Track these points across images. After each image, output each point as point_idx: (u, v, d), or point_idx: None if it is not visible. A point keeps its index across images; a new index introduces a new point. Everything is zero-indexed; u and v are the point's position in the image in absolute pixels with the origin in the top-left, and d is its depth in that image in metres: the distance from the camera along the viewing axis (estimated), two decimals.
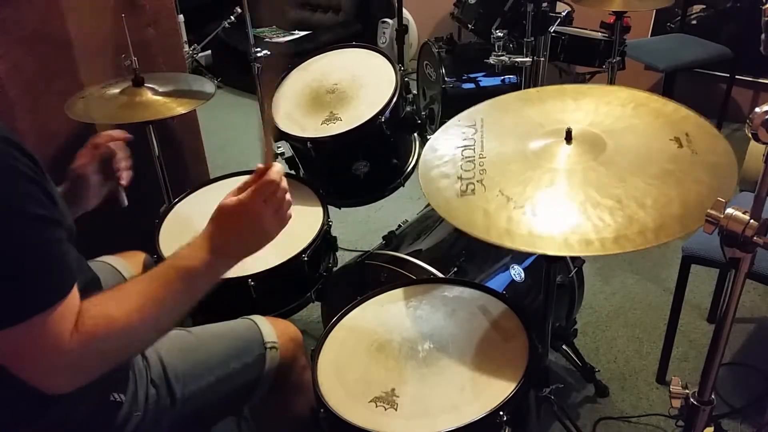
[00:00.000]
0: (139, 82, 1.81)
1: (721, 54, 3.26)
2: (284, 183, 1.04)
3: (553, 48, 2.83)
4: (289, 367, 1.32)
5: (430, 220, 1.89)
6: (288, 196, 1.05)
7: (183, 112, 1.77)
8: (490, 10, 3.28)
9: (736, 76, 3.43)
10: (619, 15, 2.66)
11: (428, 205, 1.23)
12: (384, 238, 1.82)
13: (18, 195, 0.81)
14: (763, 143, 0.78)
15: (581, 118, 1.28)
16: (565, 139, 1.22)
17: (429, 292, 1.43)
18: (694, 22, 3.57)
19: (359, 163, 1.73)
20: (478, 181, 1.20)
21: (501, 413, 1.11)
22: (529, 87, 2.44)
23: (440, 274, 1.57)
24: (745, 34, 3.28)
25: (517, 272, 1.73)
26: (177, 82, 1.90)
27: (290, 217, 1.06)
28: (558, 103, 1.35)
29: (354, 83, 1.79)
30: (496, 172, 1.21)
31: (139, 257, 1.56)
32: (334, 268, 1.76)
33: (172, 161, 2.00)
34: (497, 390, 1.16)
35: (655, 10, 3.57)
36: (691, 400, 0.99)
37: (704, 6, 3.52)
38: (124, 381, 1.09)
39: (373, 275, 1.66)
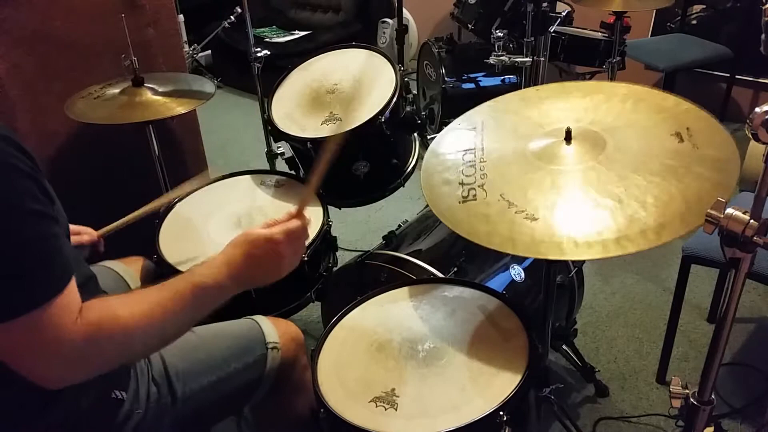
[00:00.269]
0: (139, 82, 1.81)
1: (721, 54, 3.26)
2: (310, 218, 1.10)
3: (553, 48, 2.83)
4: (291, 367, 1.32)
5: (430, 220, 1.90)
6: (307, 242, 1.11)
7: (183, 112, 1.76)
8: (490, 10, 3.28)
9: (736, 76, 3.43)
10: (619, 15, 2.66)
11: (428, 205, 1.23)
12: (384, 238, 1.82)
13: (15, 191, 0.82)
14: (763, 143, 0.78)
15: (581, 116, 1.28)
16: (565, 139, 1.21)
17: (429, 292, 1.43)
18: (694, 22, 3.57)
19: (359, 163, 1.72)
20: (479, 186, 1.19)
21: (501, 413, 1.11)
22: (529, 87, 2.44)
23: (440, 274, 1.57)
24: (745, 34, 3.28)
25: (517, 272, 1.73)
26: (177, 82, 1.90)
27: (300, 260, 1.11)
28: (557, 102, 1.35)
29: (354, 83, 1.79)
30: (497, 176, 1.21)
31: (138, 262, 1.56)
32: (334, 268, 1.76)
33: (172, 161, 2.00)
34: (497, 390, 1.16)
35: (655, 10, 3.57)
36: (691, 400, 0.99)
37: (704, 6, 3.52)
38: (126, 378, 1.10)
39: (373, 275, 1.66)
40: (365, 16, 4.38)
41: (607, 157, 1.16)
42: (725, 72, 3.45)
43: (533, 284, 1.75)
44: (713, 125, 1.17)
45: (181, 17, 2.93)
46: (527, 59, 2.38)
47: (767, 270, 1.66)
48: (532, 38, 2.35)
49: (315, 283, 1.65)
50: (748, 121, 0.77)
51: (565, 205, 1.10)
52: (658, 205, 1.04)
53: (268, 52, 2.31)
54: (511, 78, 3.19)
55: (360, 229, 2.79)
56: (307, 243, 1.55)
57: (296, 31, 4.52)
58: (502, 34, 2.47)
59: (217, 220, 1.65)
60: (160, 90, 1.82)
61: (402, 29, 3.18)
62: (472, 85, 3.24)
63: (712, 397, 0.99)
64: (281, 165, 2.03)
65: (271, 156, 2.34)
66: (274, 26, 4.66)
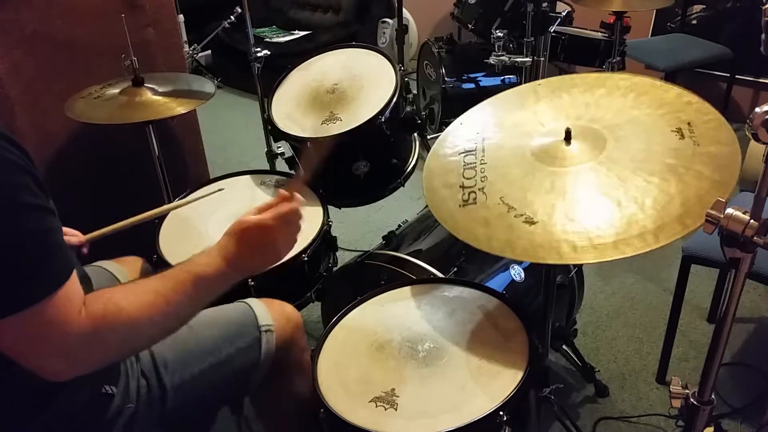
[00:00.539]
0: (139, 82, 1.81)
1: (721, 54, 3.26)
2: (301, 211, 1.09)
3: (553, 48, 2.83)
4: (288, 349, 1.30)
5: (430, 219, 1.89)
6: (301, 222, 1.10)
7: (183, 112, 1.76)
8: (490, 10, 3.28)
9: (736, 76, 3.43)
10: (619, 15, 2.65)
11: (428, 207, 1.23)
12: (384, 238, 1.82)
13: (14, 185, 0.82)
14: (763, 143, 0.78)
15: (582, 112, 1.27)
16: (565, 139, 1.21)
17: (429, 292, 1.43)
18: (694, 22, 3.57)
19: (359, 163, 1.72)
20: (479, 189, 1.19)
21: (501, 413, 1.11)
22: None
23: (440, 274, 1.57)
24: (745, 34, 3.28)
25: (517, 272, 1.73)
26: (177, 82, 1.90)
27: (296, 241, 1.11)
28: (559, 98, 1.34)
29: (354, 83, 1.79)
30: (497, 178, 1.20)
31: (136, 263, 1.56)
32: (334, 268, 1.76)
33: (172, 161, 2.00)
34: (497, 390, 1.16)
35: (655, 10, 3.57)
36: (691, 400, 0.99)
37: (704, 6, 3.52)
38: (116, 373, 1.09)
39: (373, 275, 1.66)
40: (365, 16, 4.38)
41: (607, 157, 1.16)
42: (725, 72, 3.45)
43: (533, 284, 1.75)
44: (716, 118, 1.16)
45: (181, 17, 2.93)
46: (527, 59, 2.38)
47: (767, 270, 1.66)
48: (532, 38, 2.35)
49: (315, 283, 1.65)
50: (748, 121, 0.77)
51: (564, 208, 1.10)
52: (656, 208, 1.04)
53: (268, 52, 2.31)
54: (511, 78, 3.19)
55: (360, 229, 2.79)
56: (307, 242, 1.55)
57: (296, 31, 4.52)
58: (502, 34, 2.47)
59: (217, 220, 1.65)
60: (160, 90, 1.82)
61: (402, 29, 3.18)
62: (472, 85, 3.24)
63: (712, 397, 0.99)
64: (281, 165, 2.03)
65: (271, 156, 2.34)
66: (274, 26, 4.66)
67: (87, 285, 1.12)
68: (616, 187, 1.10)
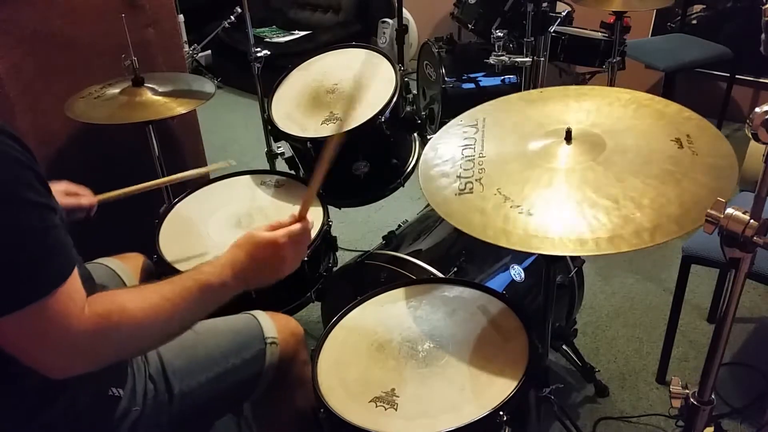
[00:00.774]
0: (139, 82, 1.81)
1: (721, 54, 3.26)
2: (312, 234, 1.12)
3: (553, 48, 2.83)
4: (290, 362, 1.32)
5: (430, 220, 1.89)
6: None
7: (183, 112, 1.77)
8: (490, 10, 3.28)
9: (736, 76, 3.43)
10: (619, 15, 2.66)
11: (428, 205, 1.24)
12: (384, 238, 1.82)
13: (15, 182, 0.82)
14: (763, 143, 0.78)
15: (583, 118, 1.28)
16: (565, 139, 1.22)
17: (429, 292, 1.43)
18: (694, 22, 3.57)
19: (359, 163, 1.72)
20: (476, 180, 1.20)
21: (501, 413, 1.11)
22: (529, 87, 2.44)
23: (440, 274, 1.57)
24: (745, 34, 3.28)
25: (517, 272, 1.73)
26: (177, 82, 1.90)
27: (301, 261, 1.14)
28: (560, 105, 1.36)
29: (354, 83, 1.79)
30: (495, 172, 1.21)
31: (137, 260, 1.56)
32: (334, 268, 1.76)
33: (172, 161, 2.00)
34: (497, 390, 1.16)
35: (655, 10, 3.57)
36: (691, 400, 0.99)
37: (704, 6, 3.52)
38: (123, 376, 1.10)
39: (373, 275, 1.66)
40: (365, 16, 4.38)
41: (606, 158, 1.17)
42: (725, 72, 3.44)
43: (533, 284, 1.75)
44: (714, 134, 1.18)
45: (181, 17, 2.93)
46: (527, 59, 2.38)
47: (767, 270, 1.66)
48: (532, 38, 2.35)
49: (315, 283, 1.65)
50: (748, 121, 0.77)
51: (561, 202, 1.11)
52: (654, 207, 1.05)
53: (268, 52, 2.31)
54: (511, 78, 3.19)
55: (360, 229, 2.79)
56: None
57: (296, 31, 4.52)
58: (502, 34, 2.47)
59: (217, 219, 1.65)
60: (160, 90, 1.82)
61: (402, 29, 3.18)
62: (472, 85, 3.24)
63: (712, 397, 0.99)
64: (281, 165, 2.03)
65: (271, 156, 2.34)
66: (274, 26, 4.66)
67: (90, 284, 1.12)
68: (614, 187, 1.10)
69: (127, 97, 1.78)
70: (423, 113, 3.38)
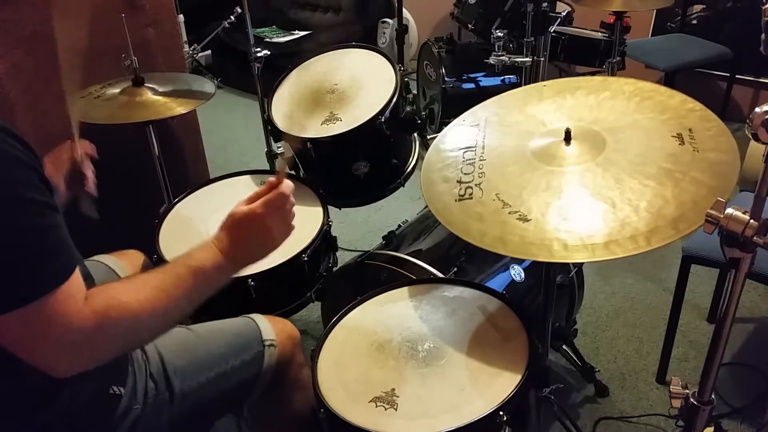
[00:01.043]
0: (139, 82, 1.81)
1: (721, 54, 3.26)
2: (292, 197, 1.09)
3: (553, 48, 2.83)
4: (288, 365, 1.33)
5: (430, 220, 1.89)
6: (294, 208, 1.10)
7: (183, 112, 1.77)
8: (490, 10, 3.28)
9: (736, 76, 3.43)
10: (619, 15, 2.66)
11: (426, 201, 1.24)
12: (384, 238, 1.82)
13: (16, 181, 0.82)
14: (763, 143, 0.78)
15: (585, 114, 1.27)
16: (565, 139, 1.21)
17: (429, 292, 1.43)
18: (694, 22, 3.57)
19: (359, 163, 1.72)
20: (476, 185, 1.20)
21: (501, 413, 1.11)
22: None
23: (440, 274, 1.57)
24: (745, 34, 3.28)
25: (517, 272, 1.73)
26: (177, 82, 1.90)
27: (293, 227, 1.11)
28: (563, 99, 1.34)
29: (354, 83, 1.79)
30: (495, 175, 1.21)
31: (135, 257, 1.56)
32: (334, 268, 1.76)
33: (172, 161, 2.00)
34: (497, 390, 1.16)
35: (655, 10, 3.57)
36: (691, 400, 0.99)
37: (704, 6, 3.52)
38: (124, 374, 1.10)
39: (373, 275, 1.66)
40: (365, 16, 4.38)
41: (606, 158, 1.16)
42: (725, 72, 3.44)
43: (533, 284, 1.75)
44: (717, 126, 1.16)
45: (181, 17, 2.93)
46: (527, 59, 2.38)
47: (767, 270, 1.66)
48: (532, 38, 2.35)
49: (315, 283, 1.65)
50: (748, 121, 0.77)
51: (558, 207, 1.10)
52: (650, 210, 1.04)
53: (268, 52, 2.31)
54: (511, 78, 3.19)
55: (360, 229, 2.79)
56: (307, 242, 1.55)
57: (296, 31, 4.51)
58: (502, 34, 2.47)
59: (217, 219, 1.62)
60: (160, 90, 1.82)
61: (402, 29, 3.18)
62: (472, 85, 3.24)
63: (712, 397, 0.99)
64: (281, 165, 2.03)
65: (271, 156, 2.34)
66: (274, 26, 4.66)
67: (89, 282, 1.13)
68: (611, 189, 1.10)
69: (127, 97, 1.78)
70: (423, 113, 3.38)
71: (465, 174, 1.24)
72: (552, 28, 2.42)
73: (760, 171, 0.80)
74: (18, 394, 0.95)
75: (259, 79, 2.30)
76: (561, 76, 3.37)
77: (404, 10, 3.39)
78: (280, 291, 1.60)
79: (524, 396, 1.21)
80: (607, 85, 1.34)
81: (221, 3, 2.84)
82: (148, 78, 1.83)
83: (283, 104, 1.81)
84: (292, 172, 1.89)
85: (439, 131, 1.41)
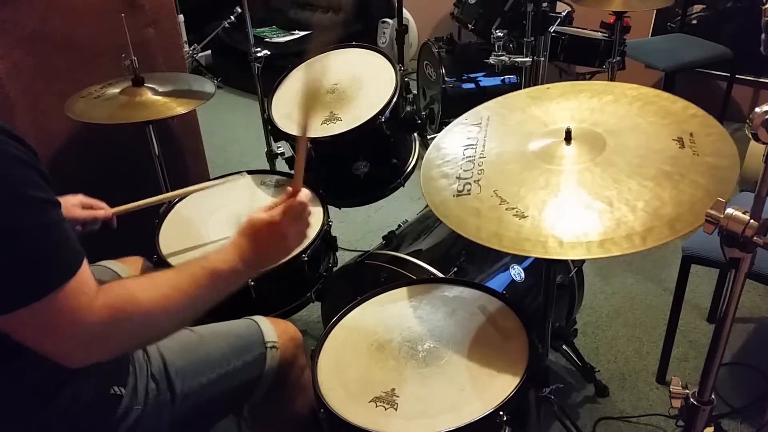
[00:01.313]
0: (139, 82, 1.81)
1: (721, 54, 3.26)
2: (310, 206, 1.13)
3: (553, 48, 2.82)
4: (289, 367, 1.33)
5: (430, 220, 1.89)
6: (311, 218, 1.14)
7: (183, 112, 1.77)
8: (490, 10, 3.28)
9: (736, 76, 3.43)
10: (619, 15, 2.66)
11: (428, 205, 1.24)
12: (384, 238, 1.82)
13: (17, 180, 0.83)
14: (763, 143, 0.78)
15: (586, 116, 1.28)
16: (565, 139, 1.22)
17: (429, 292, 1.43)
18: (694, 22, 3.57)
19: (359, 163, 1.72)
20: (475, 181, 1.20)
21: (501, 413, 1.11)
22: (529, 87, 2.43)
23: (440, 274, 1.57)
24: (745, 34, 3.28)
25: (517, 272, 1.73)
26: (177, 82, 1.90)
27: (307, 236, 1.16)
28: (565, 101, 1.35)
29: (354, 83, 1.79)
30: (494, 173, 1.21)
31: (138, 262, 1.57)
32: (334, 268, 1.76)
33: (172, 161, 2.00)
34: (497, 390, 1.16)
35: (655, 10, 3.57)
36: (691, 400, 0.99)
37: (704, 6, 3.52)
38: (125, 374, 1.10)
39: (373, 275, 1.66)
40: (365, 16, 4.38)
41: (605, 159, 1.16)
42: (725, 72, 3.44)
43: (533, 284, 1.75)
44: (718, 131, 1.17)
45: (181, 17, 2.93)
46: (527, 59, 2.38)
47: (767, 270, 1.66)
48: (532, 38, 2.35)
49: (315, 283, 1.65)
50: (748, 121, 0.77)
51: (555, 204, 1.11)
52: (647, 211, 1.04)
53: (268, 52, 2.31)
54: (511, 78, 3.19)
55: (360, 229, 2.79)
56: (307, 242, 1.55)
57: (296, 31, 4.51)
58: (502, 34, 2.47)
59: (217, 220, 1.65)
60: (160, 90, 1.82)
61: (402, 29, 3.18)
62: (472, 85, 3.24)
63: (712, 397, 0.99)
64: (281, 165, 2.03)
65: (271, 156, 2.34)
66: (274, 26, 4.66)
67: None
68: (609, 189, 1.10)
69: (127, 97, 1.78)
70: (423, 113, 3.38)
71: (464, 171, 1.24)
72: (552, 28, 2.42)
73: (760, 171, 0.80)
74: (18, 394, 0.95)
75: (259, 79, 2.30)
76: (561, 76, 3.38)
77: (404, 10, 3.39)
78: (280, 291, 1.60)
79: (524, 396, 1.21)
80: (611, 89, 1.35)
81: (221, 3, 2.84)
82: (148, 78, 1.83)
83: (283, 104, 1.82)
84: (292, 171, 1.89)
85: (439, 131, 1.41)
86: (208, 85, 1.91)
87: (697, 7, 3.53)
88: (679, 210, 1.03)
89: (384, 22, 4.30)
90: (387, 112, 1.65)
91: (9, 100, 1.78)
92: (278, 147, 2.28)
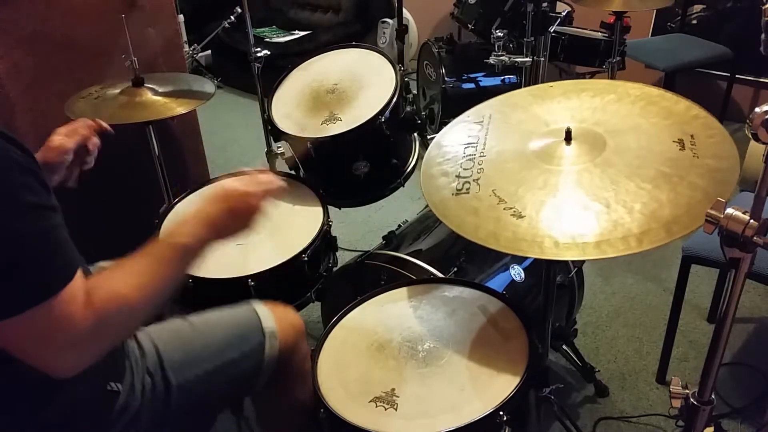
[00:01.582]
0: (139, 82, 1.81)
1: (721, 54, 3.26)
2: (279, 181, 1.15)
3: (553, 48, 2.82)
4: (290, 355, 1.31)
5: (430, 220, 1.89)
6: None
7: (183, 112, 1.77)
8: (490, 10, 3.28)
9: (736, 76, 3.43)
10: (619, 15, 2.66)
11: (428, 204, 1.24)
12: (384, 238, 1.82)
13: (15, 186, 0.82)
14: (763, 143, 0.78)
15: (588, 116, 1.27)
16: (565, 139, 1.21)
17: (429, 292, 1.43)
18: (694, 22, 3.57)
19: (359, 163, 1.72)
20: (474, 180, 1.20)
21: (501, 413, 1.11)
22: (530, 86, 2.43)
23: (440, 274, 1.57)
24: (745, 34, 3.28)
25: (517, 272, 1.73)
26: (177, 82, 1.90)
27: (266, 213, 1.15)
28: (567, 100, 1.34)
29: (354, 83, 1.79)
30: (493, 172, 1.21)
31: None
32: (334, 268, 1.76)
33: (172, 161, 2.00)
34: (497, 390, 1.16)
35: (655, 10, 3.57)
36: (691, 400, 0.99)
37: (704, 6, 3.52)
38: (121, 370, 1.10)
39: (373, 275, 1.66)
40: (365, 16, 4.38)
41: (604, 159, 1.16)
42: (725, 72, 3.44)
43: (533, 284, 1.75)
44: (719, 133, 1.16)
45: (181, 17, 2.93)
46: (527, 59, 2.38)
47: (767, 270, 1.66)
48: (532, 38, 2.35)
49: (315, 283, 1.65)
50: (748, 121, 0.77)
51: (552, 205, 1.10)
52: (644, 213, 1.04)
53: (268, 52, 2.31)
54: (511, 78, 3.19)
55: (360, 229, 2.79)
56: (307, 242, 1.56)
57: (296, 31, 4.51)
58: (502, 34, 2.47)
59: None
60: (160, 90, 1.82)
61: (402, 29, 3.18)
62: (472, 85, 3.24)
63: (712, 397, 0.99)
64: (281, 165, 2.03)
65: (271, 156, 2.34)
66: (274, 26, 4.66)
67: None
68: (607, 190, 1.10)
69: (127, 98, 1.78)
70: (423, 113, 3.38)
71: (464, 169, 1.24)
72: (552, 28, 2.42)
73: (760, 171, 0.80)
74: (17, 393, 0.95)
75: (259, 79, 2.30)
76: (561, 76, 3.38)
77: (404, 10, 3.38)
78: (280, 291, 1.59)
79: (524, 396, 1.21)
80: (614, 88, 1.34)
81: (221, 3, 2.84)
82: (148, 78, 1.83)
83: (283, 104, 1.82)
84: (293, 172, 1.89)
85: (439, 131, 1.41)
86: (208, 85, 1.91)
87: (697, 7, 3.53)
88: (677, 212, 1.03)
89: (384, 22, 4.30)
90: (387, 112, 1.65)
91: (9, 100, 1.78)
92: (278, 147, 2.27)
